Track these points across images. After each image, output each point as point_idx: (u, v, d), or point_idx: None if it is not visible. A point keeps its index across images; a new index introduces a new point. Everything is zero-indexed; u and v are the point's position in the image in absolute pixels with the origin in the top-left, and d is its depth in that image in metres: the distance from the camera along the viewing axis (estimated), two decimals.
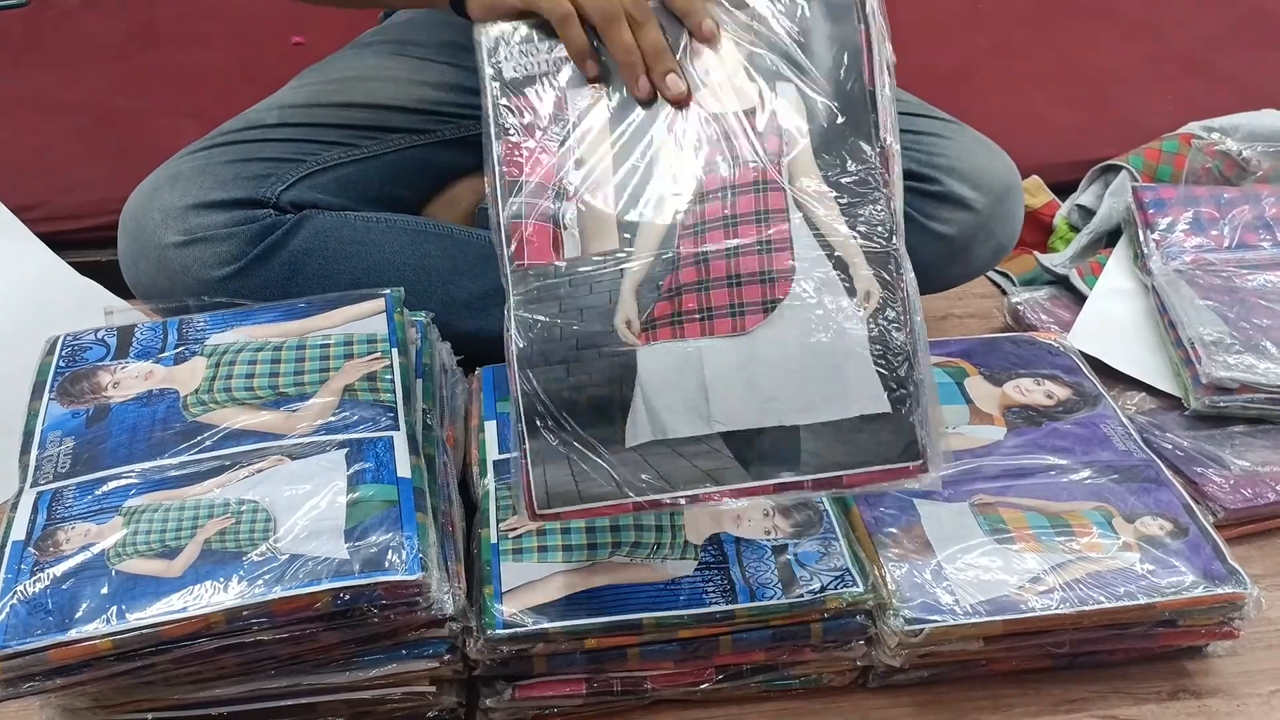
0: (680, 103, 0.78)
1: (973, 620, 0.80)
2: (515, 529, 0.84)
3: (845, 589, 0.81)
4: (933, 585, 0.82)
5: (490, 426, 0.95)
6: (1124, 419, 1.00)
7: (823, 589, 0.80)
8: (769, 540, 0.84)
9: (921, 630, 0.79)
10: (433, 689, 0.77)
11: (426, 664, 0.76)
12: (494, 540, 0.83)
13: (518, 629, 0.77)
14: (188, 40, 1.62)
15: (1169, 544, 0.86)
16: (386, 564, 0.72)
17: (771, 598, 0.80)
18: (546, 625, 0.77)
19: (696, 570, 0.82)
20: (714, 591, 0.80)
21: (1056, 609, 0.81)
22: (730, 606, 0.79)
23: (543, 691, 0.80)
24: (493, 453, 0.92)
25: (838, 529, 0.86)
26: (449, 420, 0.94)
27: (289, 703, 0.76)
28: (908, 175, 1.11)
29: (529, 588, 0.79)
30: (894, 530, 0.86)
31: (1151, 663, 0.88)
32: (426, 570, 0.72)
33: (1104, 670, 0.87)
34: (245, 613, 0.70)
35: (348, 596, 0.71)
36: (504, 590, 0.79)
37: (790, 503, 0.85)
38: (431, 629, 0.75)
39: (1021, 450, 0.95)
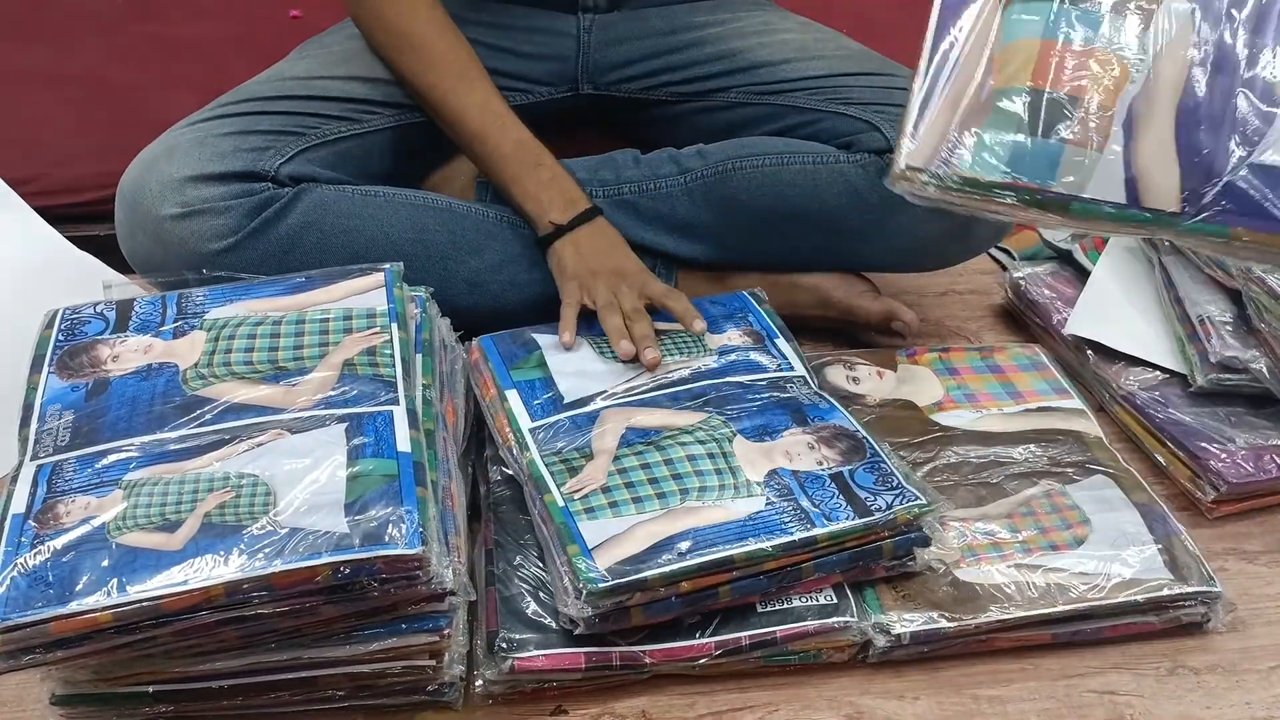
0: (653, 368, 0.96)
1: None
2: (579, 489, 0.85)
3: (910, 503, 0.84)
4: None
5: (513, 395, 0.95)
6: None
7: (889, 506, 0.83)
8: (823, 470, 0.87)
9: None
10: (433, 662, 0.77)
11: (426, 638, 0.76)
12: (561, 503, 0.84)
13: (618, 580, 0.78)
14: (185, 12, 1.61)
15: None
16: (386, 538, 0.72)
17: (846, 519, 0.82)
18: (645, 573, 0.78)
19: (767, 505, 0.84)
20: (791, 521, 0.82)
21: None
22: (811, 533, 0.82)
23: (542, 665, 0.80)
24: (525, 421, 0.93)
25: (881, 451, 0.89)
26: (449, 395, 0.94)
27: (289, 676, 0.76)
28: None
29: (613, 542, 0.81)
30: None
31: (1151, 639, 0.88)
32: (426, 544, 0.72)
33: (1104, 646, 0.87)
34: (245, 586, 0.70)
35: (348, 570, 0.71)
36: (591, 547, 0.80)
37: None
38: (431, 603, 0.75)
39: None
